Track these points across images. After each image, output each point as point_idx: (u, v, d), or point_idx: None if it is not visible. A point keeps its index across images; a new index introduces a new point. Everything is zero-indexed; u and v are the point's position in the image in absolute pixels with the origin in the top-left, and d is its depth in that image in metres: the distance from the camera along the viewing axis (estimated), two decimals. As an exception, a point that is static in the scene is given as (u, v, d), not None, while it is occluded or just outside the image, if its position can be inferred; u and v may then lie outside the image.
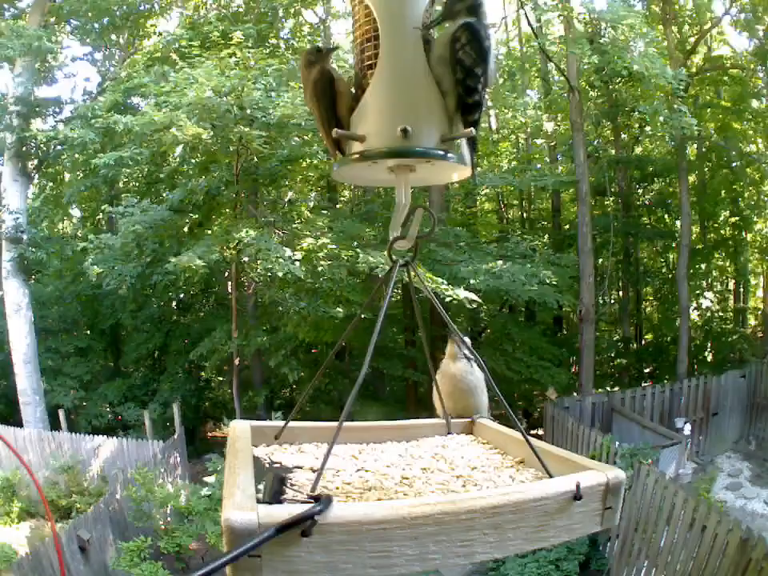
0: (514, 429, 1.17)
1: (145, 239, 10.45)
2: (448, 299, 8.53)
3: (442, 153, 1.03)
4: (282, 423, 1.29)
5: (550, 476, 1.01)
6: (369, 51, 1.05)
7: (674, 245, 15.49)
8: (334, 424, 1.33)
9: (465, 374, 1.40)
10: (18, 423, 11.45)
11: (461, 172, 1.12)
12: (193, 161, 11.03)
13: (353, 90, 1.09)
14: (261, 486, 0.90)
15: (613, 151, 15.77)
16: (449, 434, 1.39)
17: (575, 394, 11.88)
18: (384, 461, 1.17)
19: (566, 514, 0.91)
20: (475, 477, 1.08)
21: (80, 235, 14.71)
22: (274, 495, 0.85)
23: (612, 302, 18.75)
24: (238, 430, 1.20)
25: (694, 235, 15.43)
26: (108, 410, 13.18)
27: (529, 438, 1.07)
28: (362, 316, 1.36)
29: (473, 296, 8.80)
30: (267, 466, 1.11)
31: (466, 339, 1.36)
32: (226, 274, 11.55)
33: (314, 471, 1.07)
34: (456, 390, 1.41)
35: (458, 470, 1.12)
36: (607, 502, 0.94)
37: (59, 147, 12.05)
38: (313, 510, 0.76)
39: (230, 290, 11.94)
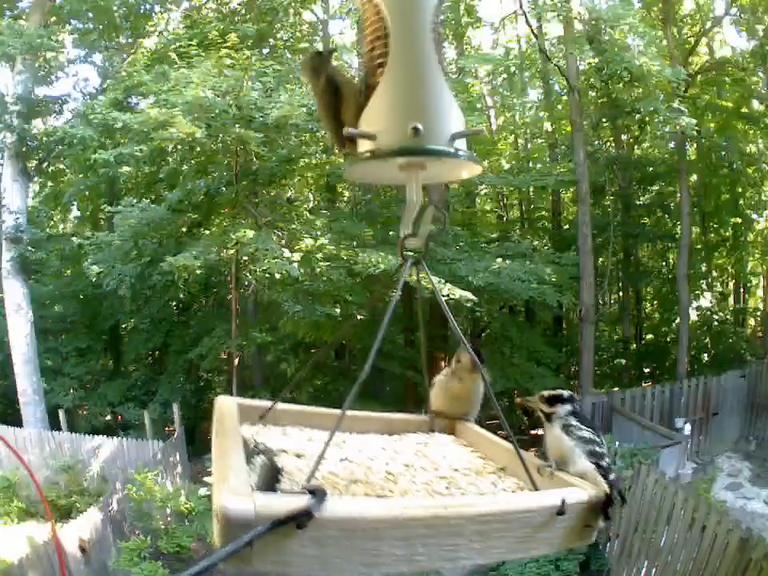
0: (507, 440, 1.18)
1: (143, 238, 10.45)
2: (445, 297, 8.51)
3: (452, 151, 1.02)
4: (268, 403, 1.29)
5: (536, 488, 1.02)
6: (379, 50, 1.04)
7: (674, 245, 15.49)
8: (318, 409, 1.35)
9: (479, 386, 1.40)
10: (18, 423, 11.43)
11: (470, 169, 1.12)
12: (192, 161, 11.04)
13: (361, 90, 1.09)
14: (250, 468, 0.90)
15: (613, 151, 15.77)
16: (431, 431, 1.40)
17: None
18: (367, 452, 1.19)
19: (549, 527, 0.92)
20: (458, 479, 1.10)
21: (79, 234, 14.70)
22: (269, 483, 0.85)
23: (612, 302, 18.76)
24: (225, 407, 1.20)
25: (694, 235, 15.42)
26: (108, 409, 13.17)
27: (519, 451, 1.09)
28: (360, 317, 1.37)
29: (470, 295, 8.80)
30: (253, 446, 1.11)
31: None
32: (226, 273, 11.55)
33: (298, 456, 1.08)
34: (465, 399, 1.41)
35: (440, 471, 1.13)
36: (588, 520, 0.96)
37: (59, 146, 12.06)
38: (309, 505, 0.76)
39: (229, 290, 11.94)
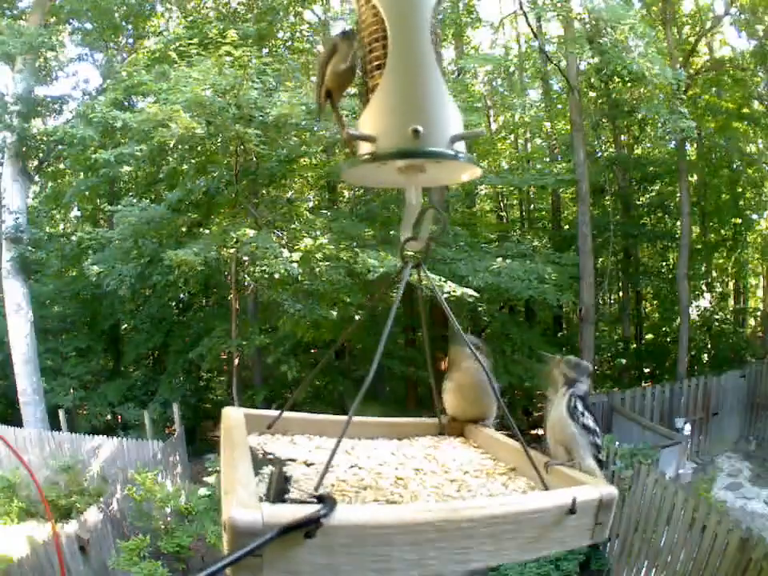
0: (514, 438, 1.17)
1: (143, 237, 10.46)
2: (446, 295, 8.54)
3: (452, 153, 1.01)
4: (275, 413, 1.28)
5: (546, 488, 1.01)
6: (377, 51, 1.03)
7: (674, 245, 15.49)
8: (326, 417, 1.34)
9: (481, 374, 1.34)
10: (18, 423, 11.43)
11: (470, 172, 1.11)
12: (193, 160, 11.03)
13: (349, 56, 1.10)
14: (259, 479, 0.90)
15: (613, 150, 15.77)
16: (440, 434, 1.39)
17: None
18: (377, 458, 1.18)
19: (560, 526, 0.92)
20: (469, 482, 1.09)
21: (79, 233, 14.73)
22: (279, 494, 0.85)
23: (612, 302, 18.75)
24: (233, 418, 1.19)
25: (694, 235, 15.42)
26: (108, 409, 13.17)
27: (528, 450, 1.08)
28: (358, 318, 1.37)
29: (471, 291, 8.80)
30: (261, 456, 1.11)
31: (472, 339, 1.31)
32: (226, 273, 11.54)
33: (307, 465, 1.07)
34: (473, 392, 1.38)
35: (451, 474, 1.13)
36: (599, 518, 0.96)
37: (59, 146, 12.06)
38: (318, 513, 0.76)
39: (229, 290, 11.94)
